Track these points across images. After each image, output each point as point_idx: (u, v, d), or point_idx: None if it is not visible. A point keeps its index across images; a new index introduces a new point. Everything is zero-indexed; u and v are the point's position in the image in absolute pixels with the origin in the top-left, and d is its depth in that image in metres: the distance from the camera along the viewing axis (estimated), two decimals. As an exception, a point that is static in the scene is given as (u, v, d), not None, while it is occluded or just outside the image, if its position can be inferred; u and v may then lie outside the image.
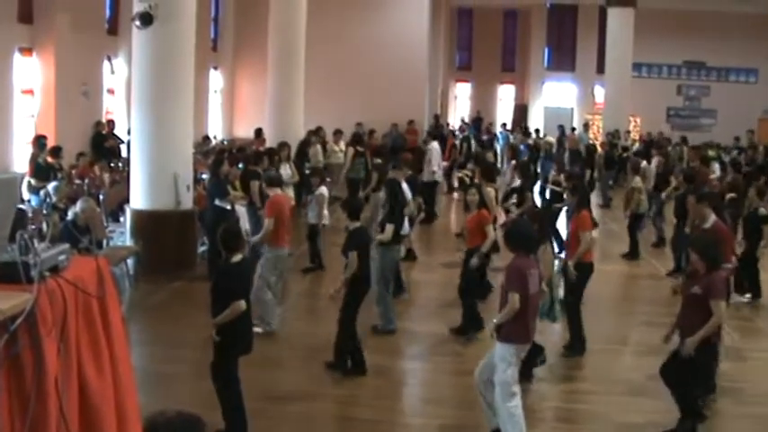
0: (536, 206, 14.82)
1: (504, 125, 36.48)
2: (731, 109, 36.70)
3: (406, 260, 15.07)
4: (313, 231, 14.75)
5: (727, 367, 10.20)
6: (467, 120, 39.73)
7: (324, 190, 14.72)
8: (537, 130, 33.31)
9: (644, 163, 19.57)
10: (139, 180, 14.29)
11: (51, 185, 13.94)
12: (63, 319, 4.19)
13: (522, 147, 27.07)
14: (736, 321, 12.11)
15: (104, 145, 20.12)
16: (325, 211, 14.77)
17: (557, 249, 13.75)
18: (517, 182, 15.35)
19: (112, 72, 22.01)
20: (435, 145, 21.31)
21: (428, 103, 30.83)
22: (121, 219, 14.87)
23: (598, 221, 16.77)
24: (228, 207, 13.65)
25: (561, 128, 34.03)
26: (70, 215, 11.37)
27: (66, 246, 4.57)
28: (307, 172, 18.92)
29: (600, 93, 36.35)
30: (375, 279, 10.66)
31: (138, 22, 13.79)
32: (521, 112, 41.10)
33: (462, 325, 11.21)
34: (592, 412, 9.04)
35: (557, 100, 40.44)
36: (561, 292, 10.45)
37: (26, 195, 15.25)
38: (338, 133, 23.32)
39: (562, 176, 16.89)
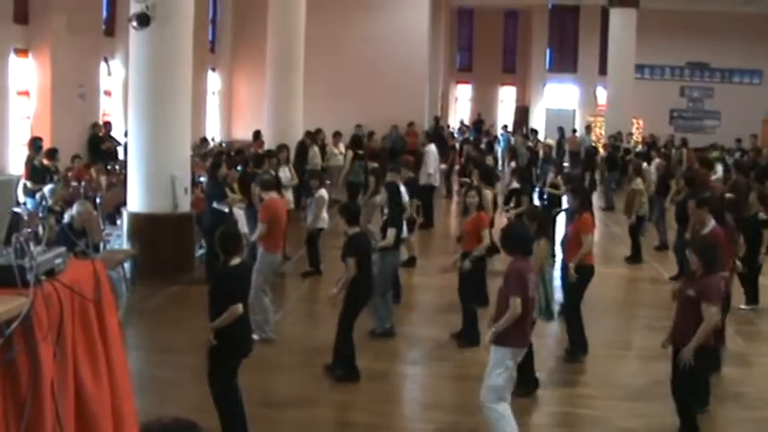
0: (535, 206, 14.81)
1: (505, 127, 36.50)
2: (735, 111, 36.71)
3: (407, 266, 15.09)
4: (312, 235, 14.75)
5: (731, 372, 10.23)
6: (466, 122, 39.74)
7: (323, 193, 14.72)
8: (535, 131, 33.37)
9: (645, 164, 19.60)
10: (136, 183, 14.29)
11: (47, 188, 13.94)
12: (59, 323, 4.20)
13: (523, 149, 27.13)
14: (740, 326, 12.12)
15: (101, 147, 20.13)
16: (325, 215, 14.77)
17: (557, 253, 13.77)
18: (515, 185, 15.38)
19: (109, 74, 22.02)
20: (432, 147, 21.30)
21: (428, 104, 30.85)
22: (118, 222, 14.87)
23: (600, 224, 16.78)
24: (226, 210, 13.65)
25: (561, 130, 34.05)
26: (66, 218, 11.37)
27: (63, 249, 4.59)
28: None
29: (602, 94, 36.38)
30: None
31: (134, 23, 13.80)
32: (522, 114, 41.09)
33: (462, 330, 11.22)
34: (593, 417, 9.04)
35: (558, 102, 40.45)
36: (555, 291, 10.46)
37: (22, 198, 15.26)
38: (337, 135, 23.32)
39: (560, 178, 16.91)
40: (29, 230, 4.57)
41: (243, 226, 13.47)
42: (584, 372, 10.35)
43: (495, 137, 34.58)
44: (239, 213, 14.12)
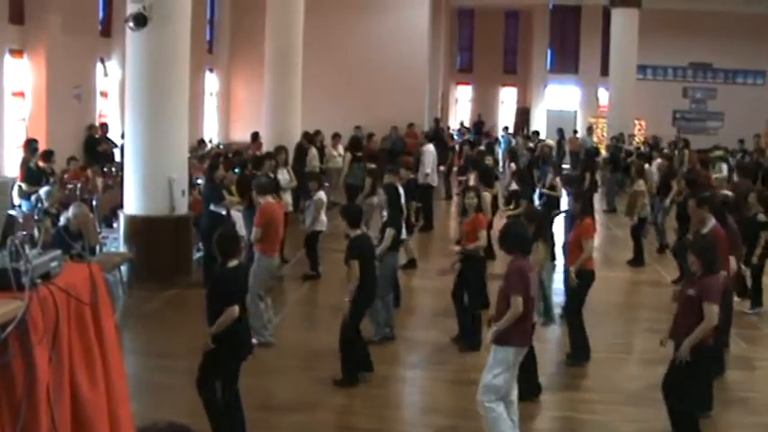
0: (533, 207, 14.80)
1: (506, 128, 36.51)
2: (738, 112, 36.70)
3: (407, 268, 15.10)
4: (311, 238, 14.74)
5: (735, 376, 10.24)
6: (467, 124, 39.73)
7: (321, 195, 14.73)
8: (537, 132, 33.36)
9: (647, 166, 19.59)
10: (133, 185, 14.29)
11: (43, 190, 13.94)
12: (55, 326, 4.20)
13: (524, 151, 27.14)
14: (744, 329, 12.12)
15: (97, 149, 20.13)
16: (323, 217, 14.77)
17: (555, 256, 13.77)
18: (515, 186, 15.37)
19: (106, 74, 22.02)
20: (430, 147, 21.30)
21: (428, 105, 30.86)
22: (115, 224, 14.87)
23: (602, 227, 16.77)
24: (224, 212, 13.65)
25: (560, 131, 34.06)
26: (62, 221, 11.36)
27: (58, 252, 4.58)
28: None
29: (604, 95, 36.37)
30: None
31: (131, 24, 13.80)
32: (523, 115, 41.09)
33: (460, 334, 11.23)
34: (595, 422, 9.04)
35: (560, 103, 40.44)
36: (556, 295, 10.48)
37: (17, 200, 15.25)
38: (336, 137, 23.33)
39: (558, 180, 16.91)
40: (24, 233, 4.56)
41: (241, 228, 13.46)
42: (586, 376, 10.35)
43: (496, 138, 34.58)
44: (237, 216, 14.12)
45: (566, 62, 40.80)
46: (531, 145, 28.91)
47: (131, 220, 14.20)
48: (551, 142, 29.42)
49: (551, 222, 15.66)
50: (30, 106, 18.95)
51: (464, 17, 42.70)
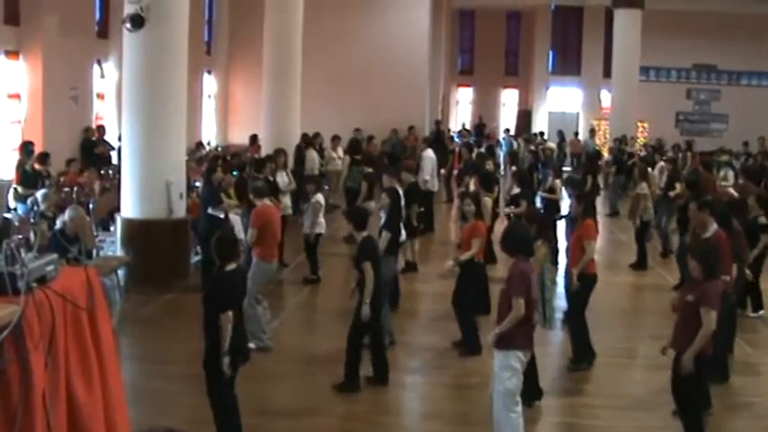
0: (534, 209, 14.81)
1: (508, 131, 36.51)
2: (743, 113, 36.69)
3: (407, 272, 15.10)
4: (310, 241, 14.74)
5: (740, 381, 10.23)
6: (468, 126, 39.73)
7: (319, 198, 14.74)
8: (541, 134, 33.34)
9: (650, 169, 19.59)
10: (130, 188, 14.29)
11: (40, 193, 13.94)
12: (51, 331, 4.20)
13: (526, 153, 27.14)
14: (747, 334, 12.12)
15: (94, 152, 20.12)
16: (321, 220, 14.78)
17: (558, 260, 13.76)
18: (516, 190, 15.35)
19: (102, 76, 22.03)
20: (429, 152, 21.31)
21: (429, 108, 30.86)
22: (112, 228, 14.87)
23: (605, 230, 16.75)
24: (222, 216, 13.65)
25: (560, 133, 34.05)
26: (59, 224, 11.37)
27: (55, 256, 4.59)
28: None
29: (606, 97, 36.38)
30: None
31: (128, 25, 13.80)
32: (524, 117, 41.09)
33: (462, 339, 11.22)
34: (597, 427, 9.03)
35: (562, 105, 40.44)
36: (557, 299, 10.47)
37: (12, 204, 15.25)
38: (336, 139, 23.33)
39: (558, 182, 16.90)
40: (20, 237, 4.57)
41: (239, 232, 13.45)
42: (588, 381, 10.35)
43: (497, 141, 34.58)
44: (235, 219, 14.11)
45: (568, 64, 40.80)
46: (533, 148, 28.92)
47: (128, 224, 14.19)
48: (553, 145, 29.45)
49: (553, 224, 15.66)
50: (25, 108, 18.96)
51: (465, 18, 42.71)
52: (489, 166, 18.74)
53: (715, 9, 35.31)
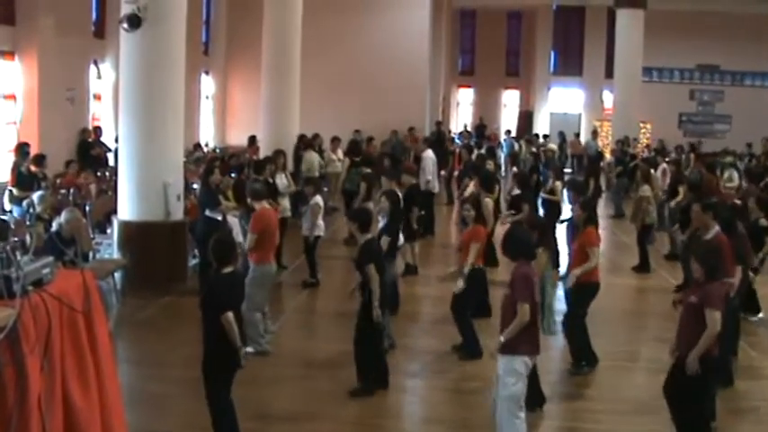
0: (535, 214, 14.80)
1: (509, 132, 36.51)
2: (746, 114, 36.72)
3: (407, 275, 15.10)
4: (309, 244, 14.73)
5: (745, 385, 10.22)
6: (469, 127, 39.75)
7: (318, 199, 14.73)
8: (546, 136, 33.35)
9: (653, 171, 19.58)
10: (127, 190, 14.29)
11: (36, 195, 13.93)
12: (47, 335, 4.20)
13: (528, 155, 27.13)
14: (752, 338, 12.11)
15: (90, 153, 20.13)
16: (320, 222, 14.77)
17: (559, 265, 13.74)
18: (517, 191, 15.34)
19: (99, 77, 22.04)
20: (430, 153, 21.32)
21: (429, 109, 30.87)
22: (108, 230, 14.87)
23: (608, 232, 16.74)
24: (220, 218, 13.64)
25: (562, 134, 34.06)
26: (55, 226, 11.36)
27: (51, 259, 4.59)
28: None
29: (609, 98, 36.38)
30: None
31: (125, 25, 13.80)
32: (526, 118, 41.11)
33: (463, 344, 11.21)
34: (599, 432, 9.05)
35: (563, 106, 40.47)
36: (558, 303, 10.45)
37: (8, 206, 15.25)
38: (336, 141, 23.33)
39: (558, 184, 16.88)
40: (15, 239, 4.57)
41: (237, 234, 13.43)
42: (590, 385, 10.34)
43: (499, 142, 34.58)
44: (233, 221, 14.09)
45: (569, 64, 40.83)
46: (534, 149, 28.91)
47: (125, 226, 14.19)
48: (554, 146, 29.43)
49: (554, 229, 15.64)
50: (21, 109, 18.96)
51: (466, 18, 42.74)
52: (490, 166, 18.74)
53: (718, 9, 35.34)
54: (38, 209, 13.51)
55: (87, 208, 15.06)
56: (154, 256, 13.88)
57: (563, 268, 12.18)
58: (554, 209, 16.80)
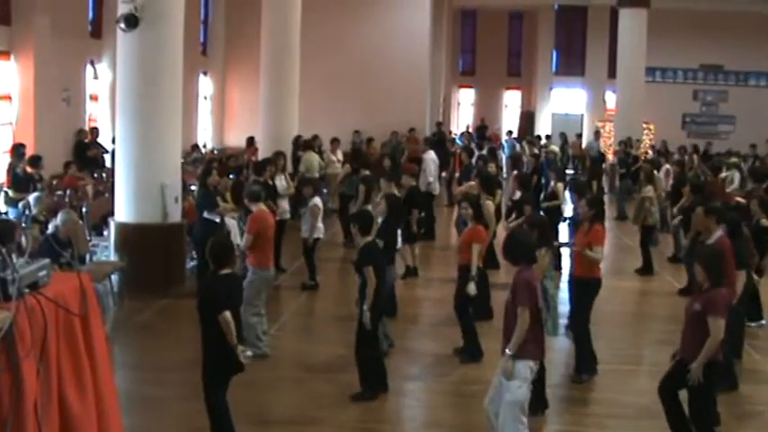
0: (536, 214, 14.77)
1: (510, 133, 36.50)
2: (750, 115, 36.72)
3: (407, 277, 15.09)
4: (308, 246, 14.72)
5: (749, 390, 10.21)
6: (470, 128, 39.74)
7: (317, 201, 14.71)
8: (549, 136, 33.32)
9: (655, 172, 19.57)
10: (124, 191, 14.28)
11: (32, 197, 13.94)
12: (43, 338, 4.19)
13: (530, 156, 27.09)
14: (756, 341, 12.11)
15: (87, 154, 20.12)
16: (320, 224, 14.76)
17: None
18: (518, 194, 15.31)
19: (96, 77, 22.03)
20: (432, 154, 21.30)
21: (429, 109, 30.86)
22: (105, 232, 14.85)
23: (611, 234, 16.72)
24: (218, 220, 13.64)
25: (563, 135, 34.06)
26: (51, 228, 11.36)
27: (47, 261, 4.58)
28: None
29: (611, 99, 36.40)
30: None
31: (122, 25, 13.79)
32: (527, 119, 41.12)
33: (464, 346, 11.20)
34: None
35: (565, 106, 40.48)
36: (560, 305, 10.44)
37: (3, 207, 15.24)
38: (335, 142, 23.32)
39: (560, 186, 16.85)
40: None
41: (235, 236, 13.44)
42: (593, 389, 10.33)
43: (500, 143, 34.57)
44: (232, 223, 14.09)
45: (572, 64, 40.84)
46: (536, 151, 28.89)
47: (122, 228, 14.18)
48: (556, 148, 29.41)
49: (555, 229, 15.64)
50: (17, 110, 18.94)
51: (467, 18, 42.74)
52: (491, 168, 18.71)
53: (722, 8, 35.32)
54: (34, 210, 13.53)
55: (84, 210, 15.05)
56: (151, 258, 13.87)
57: (564, 270, 12.18)
58: (555, 214, 16.72)
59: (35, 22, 18.74)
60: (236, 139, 28.23)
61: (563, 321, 10.87)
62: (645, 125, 34.17)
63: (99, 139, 21.16)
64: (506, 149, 33.24)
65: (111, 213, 14.63)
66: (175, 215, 14.41)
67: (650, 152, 31.07)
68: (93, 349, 4.69)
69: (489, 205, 13.79)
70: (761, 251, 12.60)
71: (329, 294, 14.54)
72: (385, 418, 9.45)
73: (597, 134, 34.56)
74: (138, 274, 13.62)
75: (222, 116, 30.58)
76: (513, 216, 14.76)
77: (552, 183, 17.38)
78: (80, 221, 13.38)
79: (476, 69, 43.08)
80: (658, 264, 17.07)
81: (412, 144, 27.55)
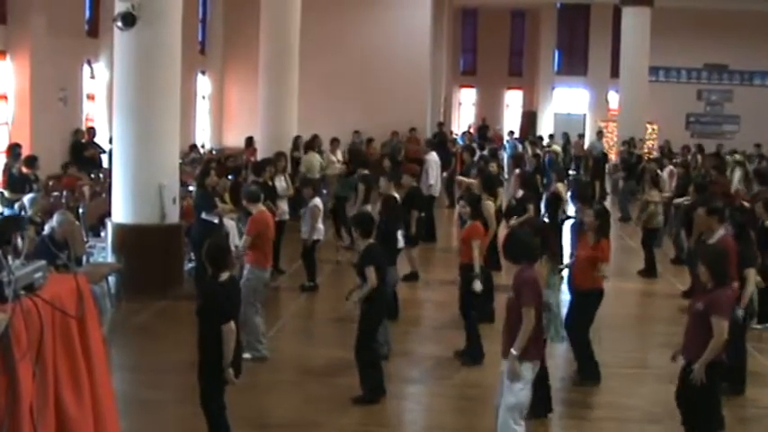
0: (538, 219, 14.76)
1: (512, 133, 36.51)
2: (755, 115, 36.74)
3: (408, 280, 15.08)
4: (308, 247, 14.71)
5: (754, 393, 10.20)
6: (472, 129, 39.73)
7: (317, 202, 14.70)
8: (551, 136, 33.31)
9: (659, 172, 19.55)
10: (122, 192, 14.28)
11: (28, 197, 13.93)
12: (39, 340, 4.19)
13: (531, 156, 27.09)
14: (760, 344, 12.10)
15: (84, 154, 20.11)
16: (320, 225, 14.75)
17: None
18: (520, 193, 15.29)
19: (93, 77, 22.03)
20: (434, 156, 21.29)
21: (430, 109, 30.86)
22: (102, 233, 14.85)
23: (614, 236, 16.69)
24: (216, 221, 13.63)
25: (566, 135, 34.08)
26: (47, 229, 11.36)
27: (43, 262, 4.58)
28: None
29: (614, 98, 36.40)
30: None
31: (119, 24, 13.80)
32: (529, 119, 41.12)
33: (466, 348, 11.19)
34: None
35: (568, 106, 40.49)
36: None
37: (-1, 208, 15.24)
38: (335, 142, 23.31)
39: (561, 186, 16.84)
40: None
41: (234, 237, 13.44)
42: (596, 392, 10.31)
43: (502, 143, 34.56)
44: (230, 224, 14.09)
45: (574, 63, 40.86)
46: (539, 151, 28.88)
47: (120, 229, 14.17)
48: (558, 148, 29.40)
49: (559, 234, 15.62)
50: (13, 109, 18.94)
51: (468, 17, 42.76)
52: (493, 168, 18.70)
53: (726, 7, 35.33)
54: (29, 211, 13.51)
55: (80, 210, 15.05)
56: (149, 259, 13.86)
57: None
58: (557, 206, 16.61)
59: (31, 20, 18.74)
60: (234, 140, 28.23)
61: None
62: (648, 125, 34.17)
63: (96, 139, 21.15)
64: (508, 149, 33.23)
65: (108, 214, 14.63)
66: (173, 216, 14.41)
67: (654, 152, 31.05)
68: (90, 351, 4.69)
69: (490, 205, 13.76)
70: (763, 253, 12.60)
71: (329, 296, 14.53)
72: (386, 421, 9.44)
73: (600, 134, 34.54)
74: (136, 275, 13.61)
75: (221, 116, 30.59)
76: (515, 217, 14.76)
77: (553, 183, 17.37)
78: (77, 222, 13.37)
79: (477, 69, 43.09)
80: (661, 265, 17.06)
81: (413, 144, 27.54)
